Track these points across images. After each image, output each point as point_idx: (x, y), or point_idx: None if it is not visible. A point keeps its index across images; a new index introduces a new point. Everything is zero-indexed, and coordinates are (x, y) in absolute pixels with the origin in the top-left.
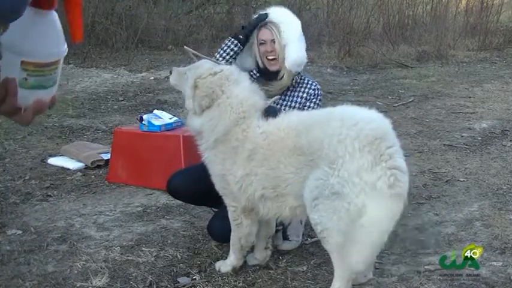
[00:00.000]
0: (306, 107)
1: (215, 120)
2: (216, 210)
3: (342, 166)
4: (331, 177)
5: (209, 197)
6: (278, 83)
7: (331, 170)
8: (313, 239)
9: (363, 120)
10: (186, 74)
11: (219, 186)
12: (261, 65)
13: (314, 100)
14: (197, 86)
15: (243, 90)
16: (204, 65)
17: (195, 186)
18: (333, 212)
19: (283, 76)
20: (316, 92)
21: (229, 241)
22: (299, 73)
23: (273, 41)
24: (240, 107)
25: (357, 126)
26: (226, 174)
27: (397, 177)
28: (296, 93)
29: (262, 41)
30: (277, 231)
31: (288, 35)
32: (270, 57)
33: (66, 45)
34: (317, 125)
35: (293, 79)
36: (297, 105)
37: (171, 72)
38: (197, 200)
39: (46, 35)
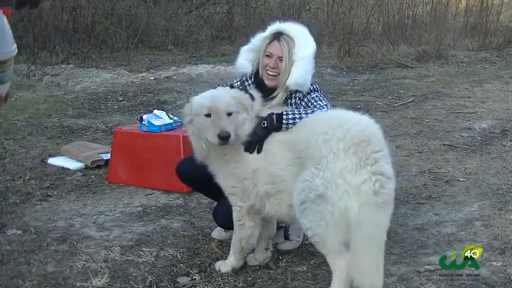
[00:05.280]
0: (313, 107)
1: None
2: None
3: (326, 167)
4: (316, 177)
5: (215, 185)
6: (270, 102)
7: (316, 170)
8: None
9: (351, 121)
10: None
11: (228, 185)
12: (260, 75)
13: (316, 100)
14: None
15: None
16: (206, 97)
17: (203, 171)
18: (320, 217)
19: (276, 96)
20: (313, 87)
21: (231, 228)
22: (296, 91)
23: (280, 58)
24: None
25: (343, 127)
26: (239, 171)
27: (382, 184)
28: (294, 101)
29: (269, 54)
30: (279, 228)
31: (300, 52)
32: (270, 73)
33: (15, 44)
34: (308, 124)
35: (286, 96)
36: (301, 107)
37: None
38: (204, 185)
39: (3, 35)
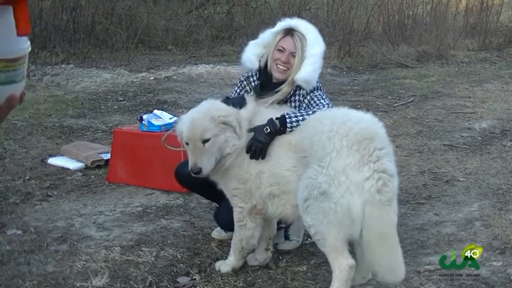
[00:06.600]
0: (315, 105)
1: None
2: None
3: (330, 164)
4: (319, 175)
5: (215, 188)
6: (274, 96)
7: (319, 167)
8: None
9: (354, 119)
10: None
11: (230, 187)
12: (268, 67)
13: (319, 98)
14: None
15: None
16: (193, 121)
17: None
18: (323, 215)
19: (281, 90)
20: (317, 85)
21: (233, 230)
22: (301, 88)
23: (293, 54)
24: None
25: (347, 124)
26: (243, 174)
27: (385, 182)
28: (297, 98)
29: (281, 49)
30: (279, 228)
31: (311, 50)
32: (280, 67)
33: (29, 42)
34: (311, 123)
35: (290, 92)
36: (304, 104)
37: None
38: (203, 188)
39: (12, 31)
